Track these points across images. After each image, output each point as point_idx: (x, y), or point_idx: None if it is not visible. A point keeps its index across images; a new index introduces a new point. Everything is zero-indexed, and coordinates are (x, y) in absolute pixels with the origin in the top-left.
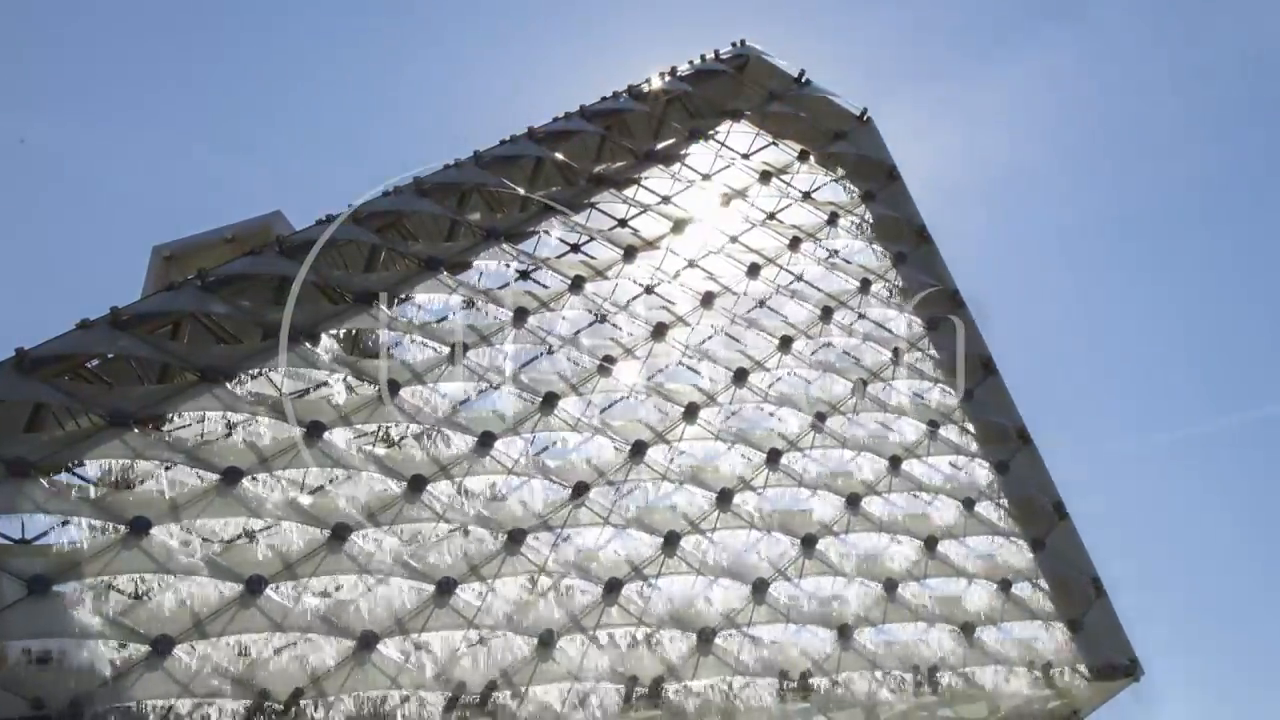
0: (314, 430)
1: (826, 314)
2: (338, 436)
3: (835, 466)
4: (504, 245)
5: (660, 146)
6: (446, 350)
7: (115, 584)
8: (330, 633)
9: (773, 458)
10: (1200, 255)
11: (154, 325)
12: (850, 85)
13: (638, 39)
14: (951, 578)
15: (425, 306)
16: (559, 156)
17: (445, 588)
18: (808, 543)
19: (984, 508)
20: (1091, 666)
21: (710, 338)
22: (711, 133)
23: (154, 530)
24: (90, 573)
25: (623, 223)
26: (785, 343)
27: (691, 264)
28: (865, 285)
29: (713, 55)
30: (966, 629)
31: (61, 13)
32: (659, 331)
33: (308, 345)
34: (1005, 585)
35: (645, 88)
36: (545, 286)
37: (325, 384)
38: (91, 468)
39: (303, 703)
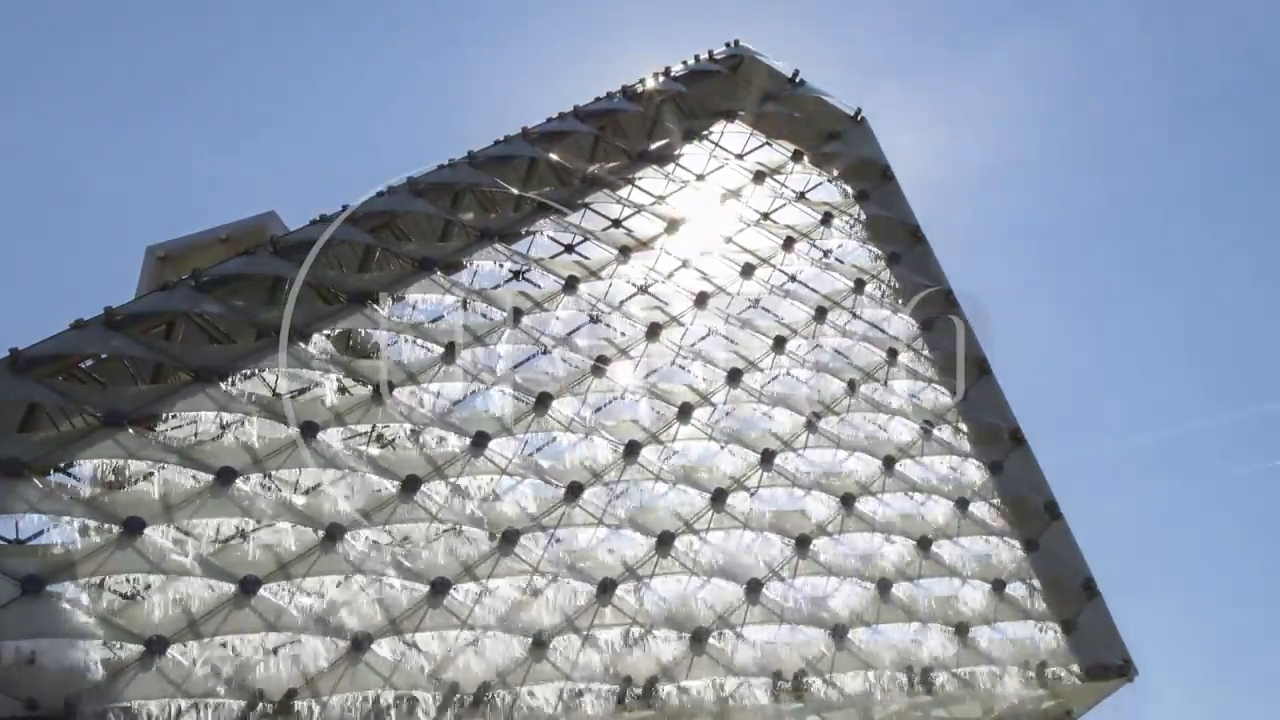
0: (308, 430)
1: (820, 314)
2: (331, 437)
3: (829, 467)
4: (498, 245)
5: (654, 147)
6: (440, 350)
7: (109, 584)
8: (324, 633)
9: (767, 458)
10: (1189, 251)
11: (148, 325)
12: (829, 77)
13: (632, 38)
14: (945, 578)
15: (419, 307)
16: (553, 157)
17: (439, 588)
18: (801, 543)
19: (977, 508)
20: (1085, 666)
21: (704, 338)
22: (705, 133)
23: (148, 530)
24: (84, 573)
25: (617, 223)
26: (779, 343)
27: (685, 264)
28: (859, 285)
29: (706, 55)
30: (960, 629)
31: (54, 11)
32: (653, 332)
33: (301, 345)
34: (999, 585)
35: (639, 88)
36: (539, 287)
37: (319, 384)
38: (85, 468)
39: (296, 703)
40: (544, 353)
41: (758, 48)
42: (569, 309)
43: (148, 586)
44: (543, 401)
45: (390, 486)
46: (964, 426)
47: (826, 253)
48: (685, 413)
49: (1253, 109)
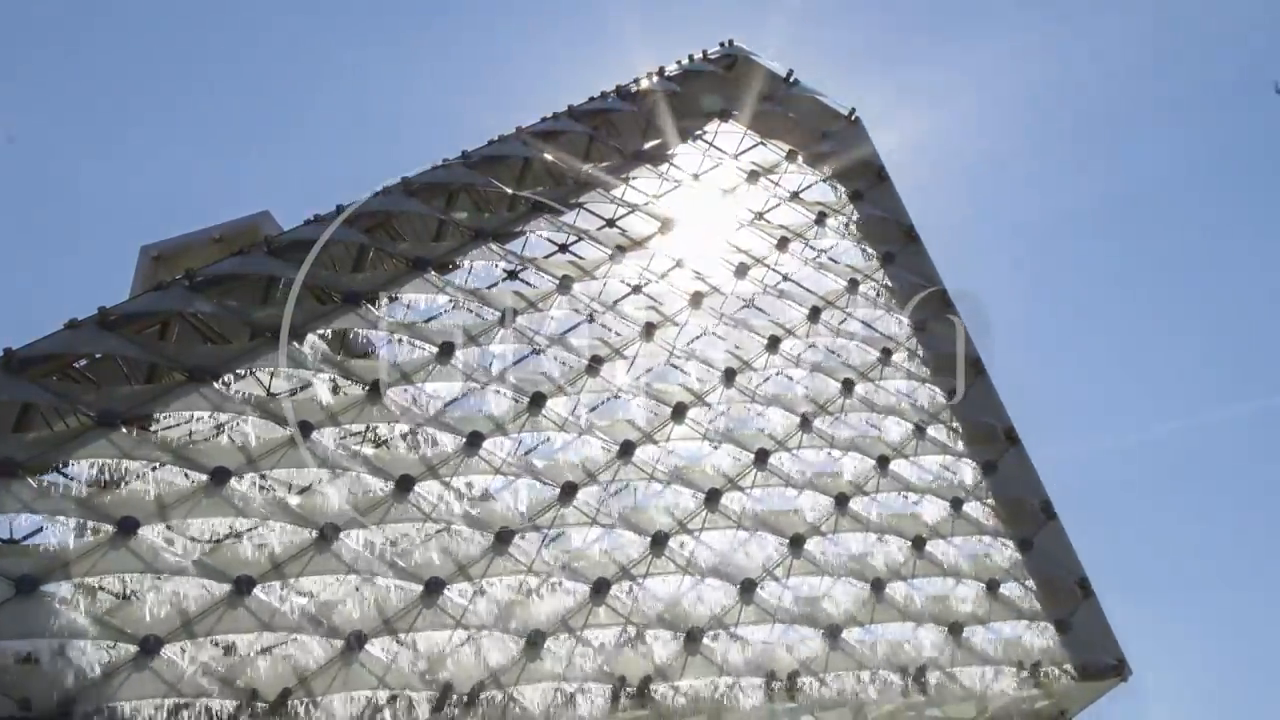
0: (302, 430)
1: (815, 314)
2: (326, 436)
3: (823, 466)
4: (492, 245)
5: (648, 146)
6: (435, 350)
7: (103, 584)
8: (318, 633)
9: (761, 458)
10: (1183, 245)
11: (142, 325)
12: (810, 73)
13: (628, 38)
14: (939, 578)
15: (413, 306)
16: (547, 156)
17: (433, 588)
18: (795, 543)
19: (972, 508)
20: (1079, 666)
21: (698, 338)
22: (699, 133)
23: (142, 530)
24: (78, 573)
25: (611, 223)
26: (773, 343)
27: (680, 264)
28: (853, 285)
29: (700, 55)
30: (954, 629)
31: (48, 10)
32: (647, 331)
33: (295, 345)
34: (993, 585)
35: (633, 88)
36: (533, 286)
37: (313, 384)
38: (79, 467)
39: (291, 703)
40: (538, 352)
41: (747, 45)
42: (563, 309)
43: (142, 586)
44: (537, 401)
45: (384, 486)
46: (958, 426)
47: (821, 252)
48: (679, 412)
49: (1243, 101)
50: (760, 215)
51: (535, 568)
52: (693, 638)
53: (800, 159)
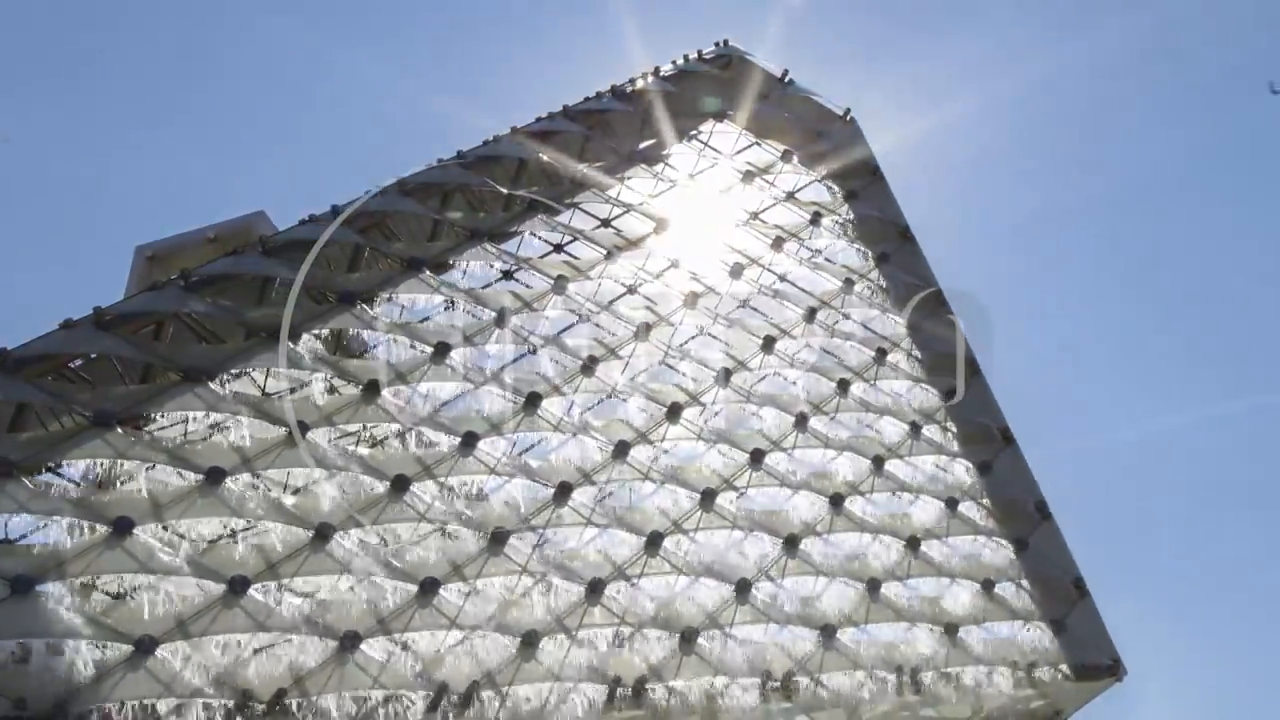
0: (297, 430)
1: (810, 314)
2: (320, 436)
3: (818, 466)
4: (487, 245)
5: (643, 146)
6: (430, 350)
7: (98, 584)
8: (313, 633)
9: (755, 458)
10: (1176, 241)
11: (137, 325)
12: (806, 69)
13: (623, 38)
14: (934, 578)
15: (408, 306)
16: (542, 156)
17: (428, 587)
18: (790, 542)
19: (966, 508)
20: (1074, 666)
21: (693, 338)
22: (695, 133)
23: (137, 530)
24: (73, 573)
25: (606, 223)
26: (768, 342)
27: (675, 264)
28: (848, 285)
29: (695, 55)
30: (949, 629)
31: (42, 10)
32: (642, 332)
33: (290, 345)
34: (988, 585)
35: (628, 88)
36: (528, 286)
37: (308, 384)
38: (74, 468)
39: (286, 702)
40: (533, 352)
41: (743, 45)
42: (558, 309)
43: (137, 586)
44: (532, 401)
45: (379, 486)
46: (953, 426)
47: (816, 252)
48: (674, 412)
49: (1236, 97)
50: (755, 215)
51: (530, 568)
52: (687, 638)
53: (795, 159)
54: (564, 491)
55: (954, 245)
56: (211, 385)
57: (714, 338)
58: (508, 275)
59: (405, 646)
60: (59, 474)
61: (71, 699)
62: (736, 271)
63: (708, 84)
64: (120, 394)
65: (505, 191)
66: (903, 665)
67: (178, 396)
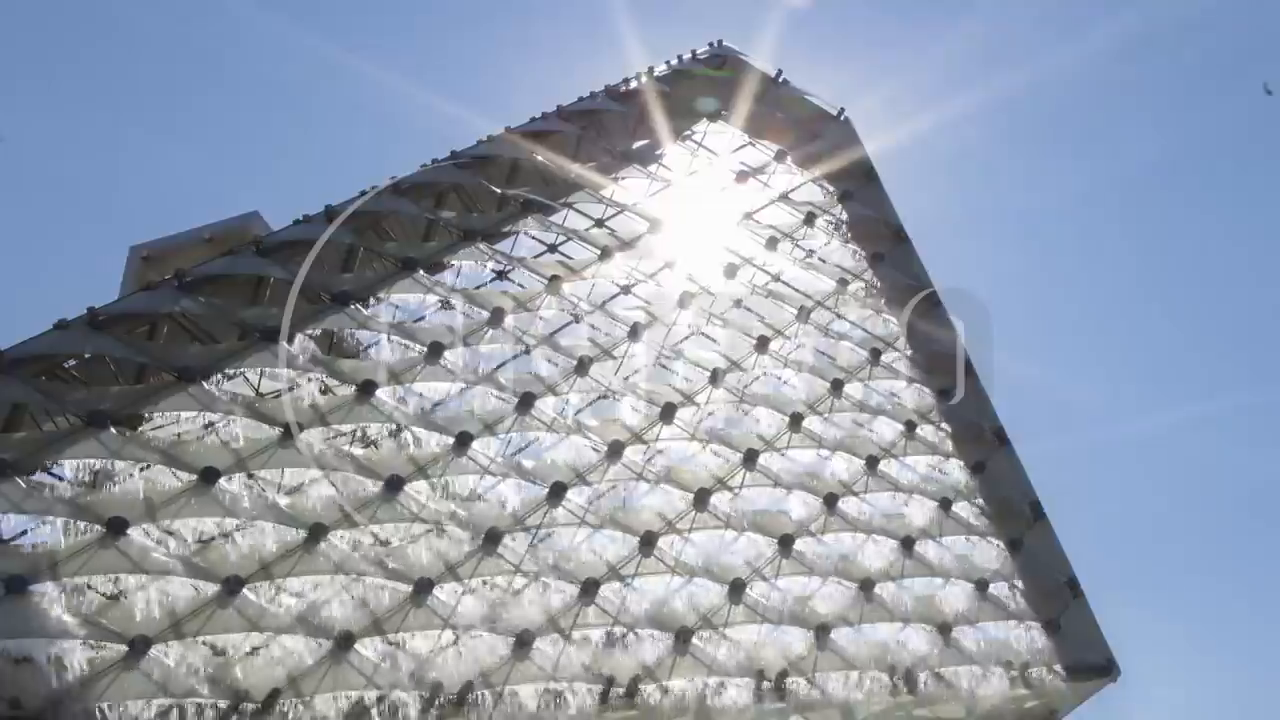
0: (291, 430)
1: (804, 314)
2: (314, 436)
3: (812, 466)
4: (481, 245)
5: (637, 146)
6: (424, 350)
7: (92, 584)
8: (307, 633)
9: (749, 458)
10: (1166, 238)
11: (131, 325)
12: (800, 68)
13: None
14: (928, 578)
15: (402, 306)
16: (536, 156)
17: (422, 588)
18: (784, 543)
19: (961, 508)
20: (1068, 666)
21: (687, 338)
22: (689, 133)
23: (131, 530)
24: (67, 573)
25: (600, 223)
26: (762, 343)
27: (669, 264)
28: (842, 285)
29: (689, 55)
30: (943, 629)
31: (36, 9)
32: (636, 332)
33: (284, 345)
34: (982, 585)
35: (622, 88)
36: (522, 286)
37: (302, 384)
38: (69, 468)
39: (280, 702)
40: (527, 353)
41: (737, 45)
42: (552, 309)
43: (131, 586)
44: (526, 402)
45: (373, 486)
46: (947, 426)
47: (810, 252)
48: (668, 413)
49: (1222, 86)
50: (749, 215)
51: (524, 568)
52: (681, 638)
53: (789, 159)
54: (558, 492)
55: (949, 245)
56: (205, 385)
57: (708, 338)
58: (501, 275)
59: (399, 647)
60: (53, 474)
61: (65, 699)
62: (730, 272)
63: (702, 84)
64: (114, 394)
65: (499, 191)
66: (896, 665)
67: (172, 396)
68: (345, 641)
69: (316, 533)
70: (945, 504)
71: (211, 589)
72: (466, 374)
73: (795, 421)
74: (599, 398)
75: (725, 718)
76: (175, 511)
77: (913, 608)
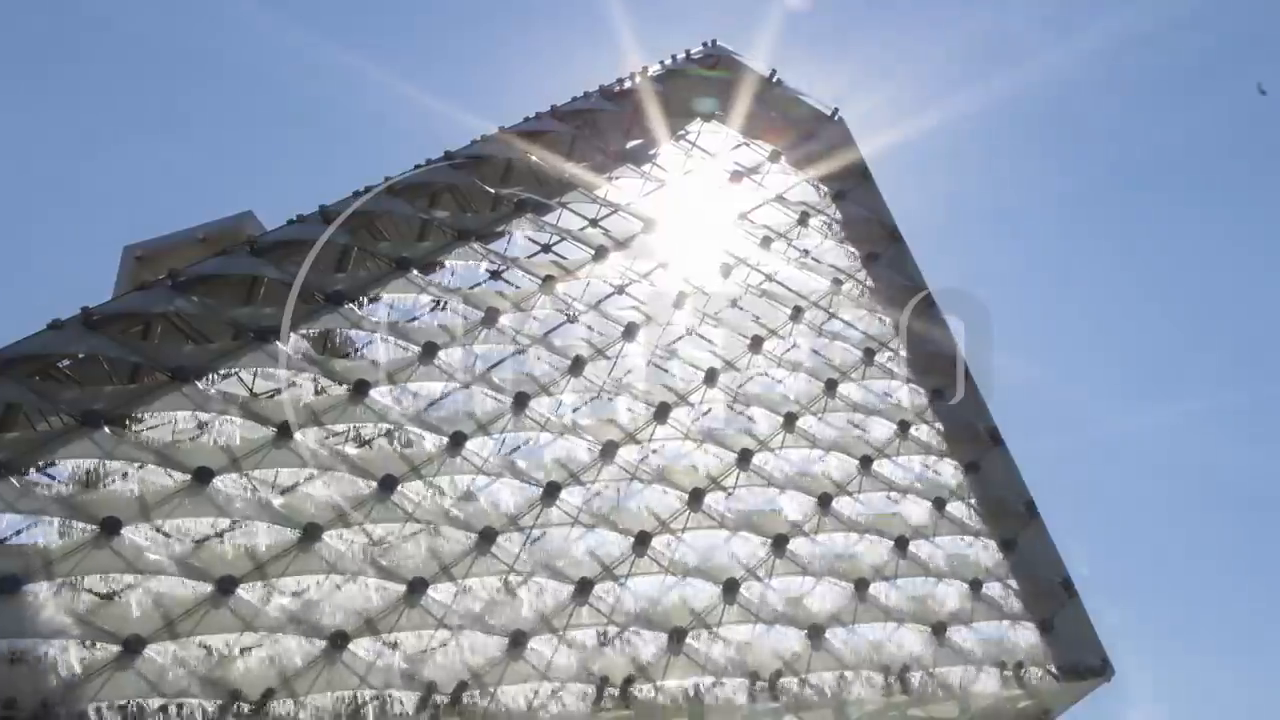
0: (285, 430)
1: (798, 314)
2: (309, 436)
3: (806, 466)
4: (475, 245)
5: (631, 146)
6: (418, 350)
7: (86, 583)
8: (301, 632)
9: (743, 457)
10: (1157, 234)
11: (125, 325)
12: (794, 69)
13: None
14: (922, 578)
15: (396, 306)
16: (530, 156)
17: (416, 587)
18: (778, 542)
19: (955, 507)
20: (1062, 666)
21: (681, 338)
22: (683, 133)
23: (125, 530)
24: (61, 572)
25: (594, 222)
26: (757, 342)
27: (663, 264)
28: (837, 284)
29: (684, 55)
30: (937, 629)
31: (30, 9)
32: (630, 332)
33: (278, 344)
34: (976, 585)
35: (616, 88)
36: (516, 286)
37: (296, 384)
38: (62, 467)
39: (273, 702)
40: (521, 352)
41: (733, 45)
42: (546, 308)
43: (125, 586)
44: (520, 401)
45: (367, 486)
46: (941, 426)
47: (804, 252)
48: (662, 412)
49: (1214, 86)
50: (744, 215)
51: (518, 567)
52: (675, 637)
53: (783, 159)
54: (552, 491)
55: (944, 245)
56: (199, 385)
57: (702, 338)
58: (495, 275)
59: (393, 646)
60: (47, 474)
61: (59, 699)
62: (725, 271)
63: (699, 85)
64: (108, 394)
65: (493, 191)
66: (890, 665)
67: (166, 396)
68: (339, 641)
69: (310, 532)
70: (939, 503)
71: (205, 589)
72: (461, 374)
73: (789, 421)
74: (593, 398)
75: (719, 717)
76: (169, 511)
77: (907, 607)
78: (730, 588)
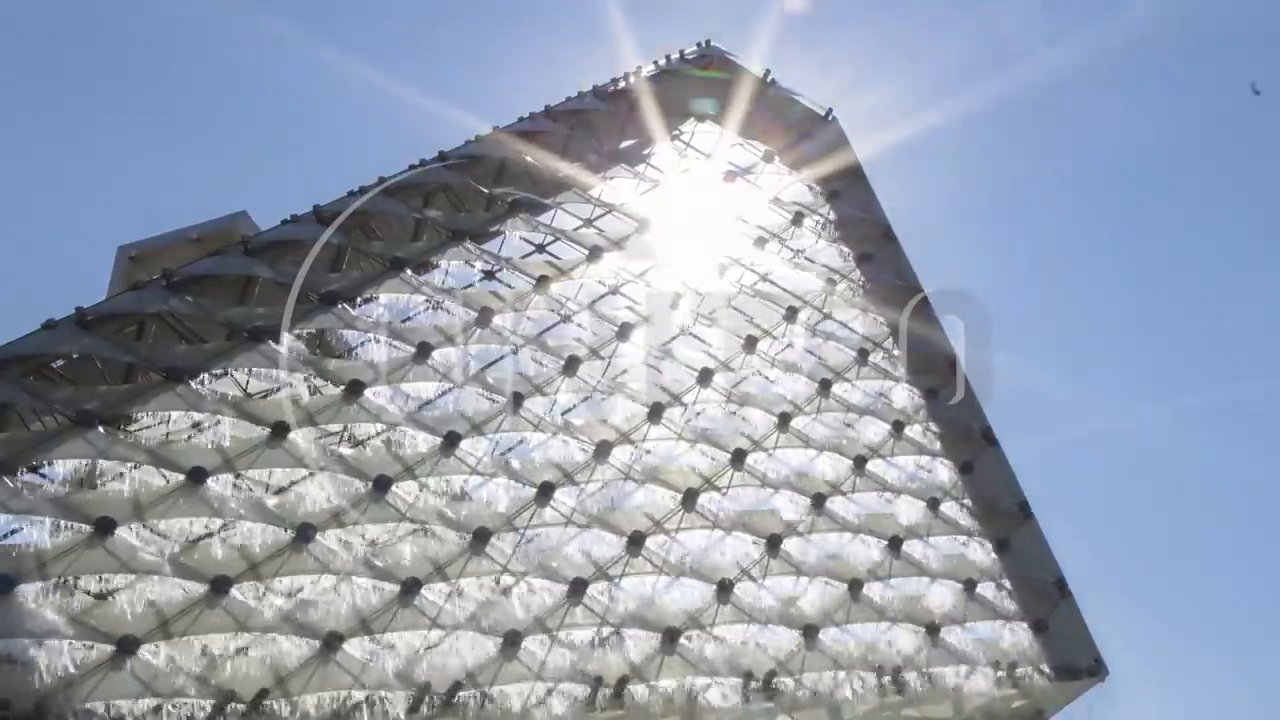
0: (279, 430)
1: (792, 314)
2: (302, 436)
3: (800, 466)
4: (469, 245)
5: (625, 146)
6: (412, 350)
7: (80, 584)
8: (295, 632)
9: (737, 457)
10: (1148, 230)
11: (119, 325)
12: (790, 68)
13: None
14: (916, 577)
15: (390, 306)
16: (524, 156)
17: (410, 587)
18: (772, 542)
19: (948, 507)
20: (1056, 666)
21: (675, 338)
22: (677, 133)
23: (119, 530)
24: (55, 572)
25: (588, 222)
26: (750, 342)
27: (656, 264)
28: (830, 284)
29: (678, 56)
30: (931, 629)
31: (23, 9)
32: (624, 332)
33: (272, 344)
34: (970, 585)
35: (610, 88)
36: (510, 286)
37: (289, 384)
38: (56, 467)
39: (267, 702)
40: (515, 352)
41: (728, 45)
42: (540, 309)
43: (118, 586)
44: (514, 401)
45: (361, 486)
46: (935, 426)
47: (798, 252)
48: (656, 412)
49: (1208, 86)
50: (737, 215)
51: (512, 567)
52: (669, 637)
53: (777, 159)
54: (546, 491)
55: (940, 245)
56: (193, 385)
57: (696, 338)
58: (489, 275)
59: (387, 646)
60: (41, 474)
61: (53, 699)
62: (718, 271)
63: (696, 85)
64: (102, 394)
65: (487, 191)
66: (884, 665)
67: (159, 396)
68: (333, 641)
69: (304, 532)
70: (933, 503)
71: (199, 589)
72: (455, 374)
73: (783, 421)
74: (587, 398)
75: (713, 717)
76: (163, 511)
77: (900, 607)
78: (724, 588)
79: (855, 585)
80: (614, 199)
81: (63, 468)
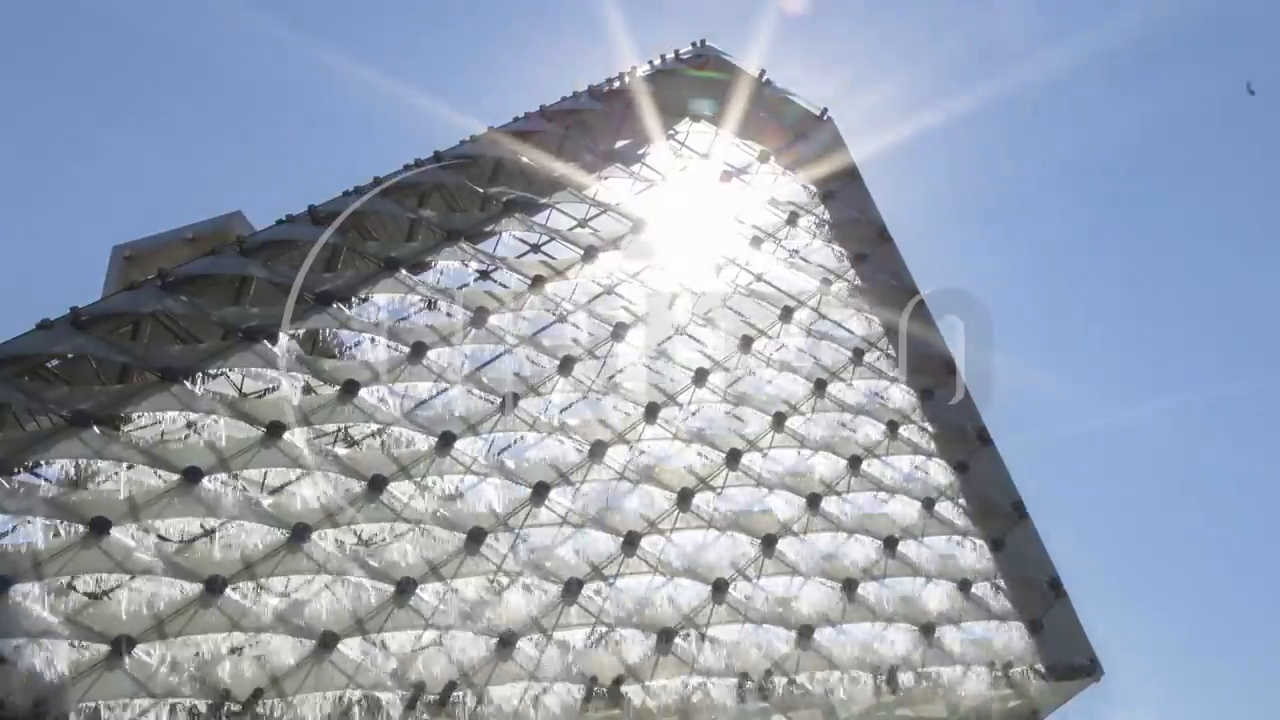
0: (273, 430)
1: (787, 314)
2: (298, 436)
3: (795, 466)
4: (464, 245)
5: (620, 146)
6: (407, 350)
7: (75, 584)
8: (290, 632)
9: (733, 457)
10: (1142, 229)
11: (114, 325)
12: (787, 68)
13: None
14: (911, 578)
15: (385, 306)
16: (519, 156)
17: (405, 587)
18: (767, 542)
19: (944, 507)
20: (1051, 666)
21: (670, 338)
22: (672, 133)
23: (114, 530)
24: (50, 572)
25: (583, 222)
26: (746, 342)
27: (651, 264)
28: (826, 284)
29: (673, 56)
30: (926, 629)
31: (19, 9)
32: (619, 332)
33: (267, 344)
34: (965, 585)
35: (605, 88)
36: (505, 286)
37: (284, 384)
38: (51, 467)
39: (263, 702)
40: (510, 352)
41: (725, 45)
42: (535, 309)
43: (114, 586)
44: (508, 401)
45: (356, 486)
46: (930, 426)
47: (793, 252)
48: (651, 412)
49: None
50: (733, 215)
51: (507, 567)
52: (664, 637)
53: (773, 159)
54: (541, 491)
55: (936, 245)
56: (188, 385)
57: (691, 338)
58: (484, 275)
59: (382, 646)
60: (36, 474)
61: (49, 699)
62: (714, 271)
63: (686, 85)
64: (97, 394)
65: (482, 191)
66: (879, 665)
67: (154, 396)
68: (328, 641)
69: (299, 532)
70: (928, 503)
71: (194, 589)
72: (449, 374)
73: (778, 421)
74: (582, 398)
75: (708, 717)
76: (158, 511)
77: (895, 607)
78: (719, 588)
79: (850, 585)
80: (609, 199)
81: (58, 468)
